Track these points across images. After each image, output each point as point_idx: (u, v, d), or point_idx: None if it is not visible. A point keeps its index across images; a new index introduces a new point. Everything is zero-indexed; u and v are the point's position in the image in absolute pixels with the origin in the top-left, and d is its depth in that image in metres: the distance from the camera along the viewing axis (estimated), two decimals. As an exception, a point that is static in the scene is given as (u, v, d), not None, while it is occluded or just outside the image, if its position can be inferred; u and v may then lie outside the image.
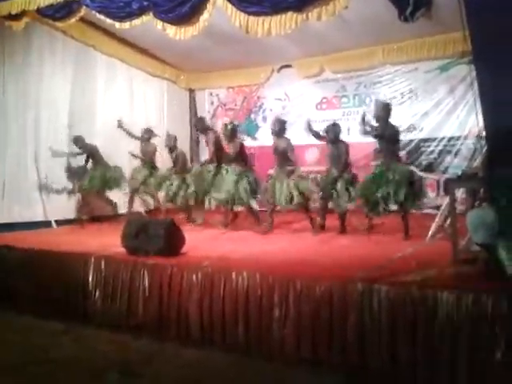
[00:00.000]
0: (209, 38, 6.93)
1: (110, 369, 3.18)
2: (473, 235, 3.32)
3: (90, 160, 7.23)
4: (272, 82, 9.38)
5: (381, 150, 5.39)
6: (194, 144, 10.03)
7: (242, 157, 6.22)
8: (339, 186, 5.46)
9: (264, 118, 9.65)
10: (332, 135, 5.69)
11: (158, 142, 7.45)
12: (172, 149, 7.21)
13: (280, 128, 5.90)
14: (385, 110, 5.34)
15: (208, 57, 8.41)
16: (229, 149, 6.22)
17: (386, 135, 5.23)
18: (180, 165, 7.10)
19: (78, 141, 7.10)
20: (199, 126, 7.11)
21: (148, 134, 7.38)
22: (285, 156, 5.79)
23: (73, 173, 7.23)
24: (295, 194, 5.53)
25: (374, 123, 5.39)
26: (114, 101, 8.30)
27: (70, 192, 7.21)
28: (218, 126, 9.86)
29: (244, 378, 3.13)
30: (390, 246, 4.65)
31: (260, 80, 9.44)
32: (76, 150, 7.16)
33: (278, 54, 8.23)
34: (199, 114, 10.23)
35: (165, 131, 7.76)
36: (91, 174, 7.07)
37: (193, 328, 3.68)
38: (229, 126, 6.27)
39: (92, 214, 7.32)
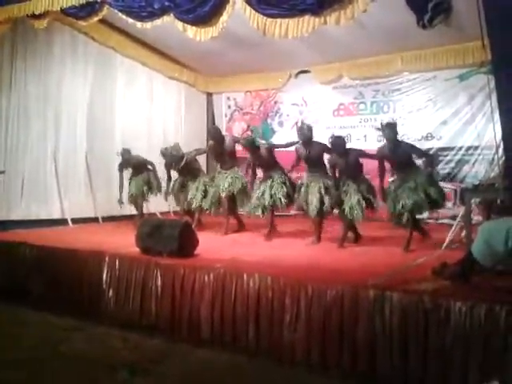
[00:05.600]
0: (227, 42, 6.99)
1: (120, 366, 3.20)
2: (475, 248, 3.22)
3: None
4: (289, 87, 9.42)
5: (394, 168, 5.19)
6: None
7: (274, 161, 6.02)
8: (353, 196, 5.17)
9: (280, 123, 9.69)
10: (340, 149, 5.29)
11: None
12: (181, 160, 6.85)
13: (311, 134, 5.56)
14: (390, 129, 5.08)
15: (226, 61, 8.49)
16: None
17: (399, 154, 5.01)
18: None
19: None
20: (217, 136, 6.56)
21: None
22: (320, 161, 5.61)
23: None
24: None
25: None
26: (133, 102, 8.41)
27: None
28: (235, 130, 9.98)
29: (253, 379, 3.14)
30: (402, 255, 4.63)
31: (277, 85, 9.48)
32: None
33: (296, 59, 8.27)
34: (216, 118, 10.33)
35: (183, 134, 7.77)
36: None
37: (204, 329, 3.69)
38: (248, 140, 6.05)
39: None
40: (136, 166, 7.07)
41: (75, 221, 7.04)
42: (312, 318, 3.25)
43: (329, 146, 5.37)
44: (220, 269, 3.74)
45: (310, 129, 5.55)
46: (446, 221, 7.19)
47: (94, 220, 7.37)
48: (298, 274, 3.66)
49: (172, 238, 4.27)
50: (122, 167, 7.04)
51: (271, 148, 6.07)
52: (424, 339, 2.89)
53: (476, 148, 7.70)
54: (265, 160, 5.93)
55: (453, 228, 5.07)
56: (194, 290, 3.79)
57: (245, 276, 3.57)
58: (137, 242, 4.49)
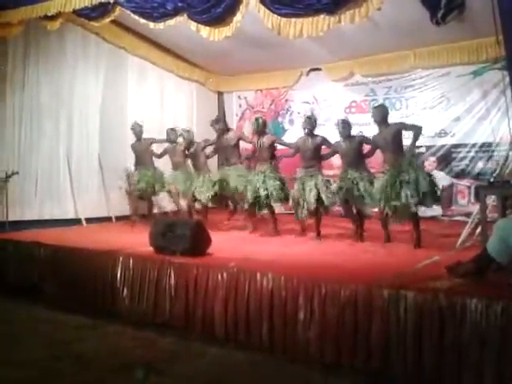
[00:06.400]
0: (238, 42, 6.96)
1: (134, 366, 3.19)
2: (490, 245, 3.18)
3: None
4: (300, 85, 9.37)
5: (385, 157, 5.10)
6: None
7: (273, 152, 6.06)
8: (361, 188, 5.19)
9: (291, 121, 9.65)
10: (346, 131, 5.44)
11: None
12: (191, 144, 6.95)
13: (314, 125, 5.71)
14: (378, 111, 5.14)
15: (237, 60, 8.47)
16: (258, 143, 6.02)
17: (389, 135, 4.98)
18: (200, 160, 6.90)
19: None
20: (221, 126, 6.71)
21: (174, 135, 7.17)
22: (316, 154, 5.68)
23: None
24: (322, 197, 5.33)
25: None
26: (145, 102, 8.44)
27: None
28: (245, 129, 9.96)
29: (267, 377, 3.13)
30: (416, 253, 4.59)
31: (288, 83, 9.45)
32: None
33: (308, 57, 8.22)
34: (227, 117, 10.30)
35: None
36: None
37: (217, 327, 3.70)
38: (260, 120, 6.11)
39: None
40: (142, 153, 7.12)
41: (89, 220, 7.08)
42: (326, 316, 3.24)
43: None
44: (233, 268, 3.75)
45: (314, 120, 5.68)
46: (460, 218, 7.13)
47: (108, 219, 7.41)
48: (312, 272, 3.65)
49: (185, 237, 4.29)
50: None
51: (275, 139, 6.17)
52: (439, 337, 2.86)
53: (490, 144, 7.60)
54: (264, 149, 5.95)
55: (467, 225, 5.02)
56: (207, 288, 3.80)
57: (258, 275, 3.57)
58: (150, 241, 4.51)
